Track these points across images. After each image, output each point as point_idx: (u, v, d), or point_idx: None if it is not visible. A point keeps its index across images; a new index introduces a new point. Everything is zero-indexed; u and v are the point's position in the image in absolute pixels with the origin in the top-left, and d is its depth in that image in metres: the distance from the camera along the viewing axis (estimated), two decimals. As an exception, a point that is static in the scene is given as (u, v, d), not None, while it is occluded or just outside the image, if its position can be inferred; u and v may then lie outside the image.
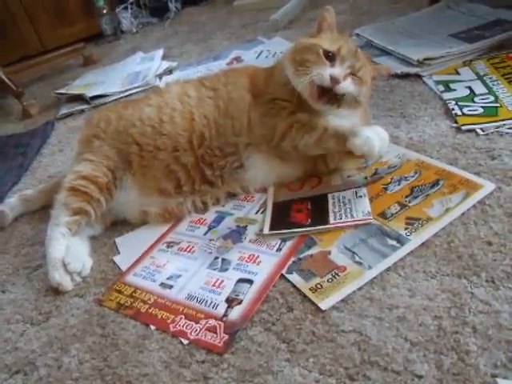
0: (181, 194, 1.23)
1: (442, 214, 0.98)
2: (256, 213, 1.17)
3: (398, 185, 1.10)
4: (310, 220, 1.08)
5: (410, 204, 1.03)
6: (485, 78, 1.41)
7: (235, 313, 0.91)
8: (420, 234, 0.95)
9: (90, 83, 2.49)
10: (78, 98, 2.34)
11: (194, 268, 1.06)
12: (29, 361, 0.97)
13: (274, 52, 2.14)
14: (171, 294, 1.01)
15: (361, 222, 1.02)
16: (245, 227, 1.13)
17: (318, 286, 0.91)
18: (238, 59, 2.19)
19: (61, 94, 2.46)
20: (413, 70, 1.56)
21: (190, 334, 0.90)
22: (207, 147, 1.21)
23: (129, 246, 1.21)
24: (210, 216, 1.21)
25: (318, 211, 1.09)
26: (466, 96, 1.35)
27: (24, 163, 1.85)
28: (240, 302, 0.93)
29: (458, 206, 0.99)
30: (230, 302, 0.94)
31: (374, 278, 0.89)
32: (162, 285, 1.04)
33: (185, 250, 1.12)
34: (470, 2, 1.88)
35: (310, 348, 0.81)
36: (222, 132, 1.21)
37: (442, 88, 1.42)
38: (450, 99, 1.35)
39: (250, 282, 0.97)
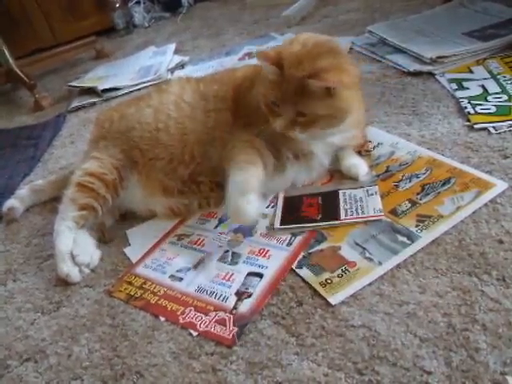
0: (184, 195, 1.23)
1: (453, 212, 0.98)
2: (266, 207, 1.16)
3: (409, 182, 1.10)
4: (320, 215, 1.08)
5: (421, 201, 1.03)
6: (498, 76, 1.40)
7: (245, 306, 0.91)
8: (431, 231, 0.95)
9: (101, 76, 2.50)
10: (90, 91, 2.36)
11: (204, 261, 1.06)
12: (39, 349, 0.98)
13: (286, 48, 2.12)
14: (181, 287, 1.01)
15: (371, 219, 1.02)
16: (256, 221, 1.12)
17: (328, 281, 0.91)
18: (250, 55, 2.19)
19: (73, 86, 2.47)
20: (425, 68, 1.55)
21: (200, 325, 0.90)
22: (197, 165, 1.21)
23: (139, 238, 1.21)
24: (220, 209, 1.21)
25: (329, 207, 1.10)
26: (479, 95, 1.34)
27: (36, 155, 1.86)
28: (250, 296, 0.93)
29: (470, 205, 0.98)
30: (240, 295, 0.94)
31: (384, 274, 0.89)
32: (172, 277, 1.05)
33: (195, 243, 1.13)
34: (485, 1, 1.87)
35: (319, 342, 0.81)
36: (208, 156, 1.20)
37: (454, 86, 1.42)
38: (462, 97, 1.35)
39: (260, 275, 0.97)
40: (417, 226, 0.97)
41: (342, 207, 1.08)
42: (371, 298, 0.86)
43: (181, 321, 0.93)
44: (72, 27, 3.40)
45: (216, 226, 1.16)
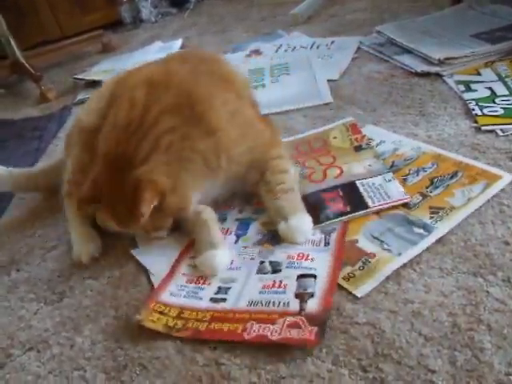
0: None
1: (465, 204, 0.99)
2: None
3: (417, 176, 1.11)
4: (349, 207, 1.07)
5: (432, 194, 1.04)
6: (506, 79, 1.40)
7: (311, 305, 0.86)
8: (445, 222, 0.96)
9: (108, 70, 2.50)
10: (96, 84, 2.35)
11: (241, 277, 0.98)
12: (42, 339, 0.98)
13: (293, 46, 2.13)
14: (227, 306, 0.93)
15: (399, 202, 1.03)
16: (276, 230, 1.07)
17: (351, 275, 0.90)
18: (257, 52, 2.19)
19: (79, 79, 2.48)
20: (433, 69, 1.55)
21: (271, 335, 0.83)
22: None
23: (150, 259, 1.11)
24: (231, 225, 1.14)
25: (353, 198, 1.09)
26: (487, 97, 1.34)
27: (40, 147, 1.86)
28: (312, 295, 0.88)
29: (480, 196, 1.00)
30: (301, 296, 0.89)
31: (405, 264, 0.90)
32: (213, 300, 0.95)
33: None
34: (493, 3, 1.87)
35: (323, 338, 0.81)
36: None
37: (462, 88, 1.41)
38: (470, 99, 1.34)
39: (313, 276, 0.93)
40: (431, 217, 0.98)
41: (366, 196, 1.08)
42: (376, 295, 0.86)
43: (246, 337, 0.84)
44: (79, 20, 3.39)
45: (236, 242, 1.09)
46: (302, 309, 0.86)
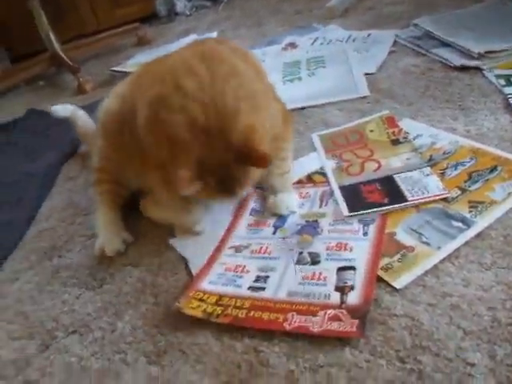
0: None
1: (506, 198, 0.98)
2: (320, 207, 1.13)
3: (455, 170, 1.10)
4: (387, 199, 1.07)
5: (471, 188, 1.03)
6: (549, 74, 1.37)
7: (352, 298, 0.87)
8: (485, 216, 0.95)
9: (144, 62, 2.52)
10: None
11: (280, 267, 0.99)
12: (84, 323, 1.02)
13: (329, 39, 2.13)
14: (267, 295, 0.93)
15: (439, 197, 1.03)
16: (315, 221, 1.09)
17: (389, 266, 0.91)
18: (292, 45, 2.19)
19: (116, 71, 2.52)
20: (472, 63, 1.53)
21: (313, 327, 0.84)
22: None
23: (188, 249, 1.13)
24: (269, 217, 1.15)
25: (391, 190, 1.09)
26: (528, 91, 1.32)
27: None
28: (352, 288, 0.89)
29: None
30: (341, 289, 0.89)
31: (444, 258, 0.90)
32: (252, 288, 0.96)
33: (259, 252, 1.06)
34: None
35: (365, 331, 0.81)
36: None
37: (502, 82, 1.39)
38: (510, 94, 1.32)
39: (353, 268, 0.93)
40: (470, 211, 0.97)
41: (404, 189, 1.07)
42: (414, 288, 0.86)
43: (287, 328, 0.84)
44: (115, 14, 3.46)
45: (274, 233, 1.11)
46: (342, 301, 0.86)
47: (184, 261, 1.09)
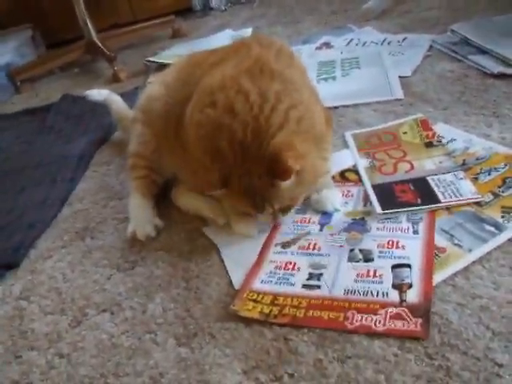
0: None
1: (540, 206, 0.99)
2: (364, 205, 1.13)
3: (489, 175, 1.10)
4: (419, 199, 1.08)
5: (504, 194, 1.04)
6: None
7: (412, 296, 0.87)
8: (518, 222, 0.96)
9: (179, 54, 2.56)
10: (167, 67, 2.41)
11: (332, 264, 0.98)
12: (115, 302, 1.04)
13: (364, 41, 2.13)
14: (324, 294, 0.92)
15: (471, 201, 1.03)
16: (362, 219, 1.09)
17: None
18: (327, 45, 2.20)
19: (150, 61, 2.55)
20: (510, 71, 1.52)
21: (375, 325, 0.83)
22: None
23: (222, 239, 1.14)
24: (313, 215, 1.15)
25: (424, 191, 1.10)
26: None
27: (113, 122, 1.93)
28: (410, 286, 0.89)
29: None
30: (399, 287, 0.89)
31: (474, 261, 0.90)
32: (306, 286, 0.95)
33: (307, 248, 1.05)
34: None
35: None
36: None
37: (540, 91, 1.39)
38: (548, 103, 1.32)
39: (408, 266, 0.93)
40: (503, 217, 0.98)
41: (437, 191, 1.08)
42: (444, 287, 0.87)
43: (348, 327, 0.84)
44: (150, 5, 3.49)
45: (321, 229, 1.10)
46: (402, 299, 0.86)
47: (216, 248, 1.11)
